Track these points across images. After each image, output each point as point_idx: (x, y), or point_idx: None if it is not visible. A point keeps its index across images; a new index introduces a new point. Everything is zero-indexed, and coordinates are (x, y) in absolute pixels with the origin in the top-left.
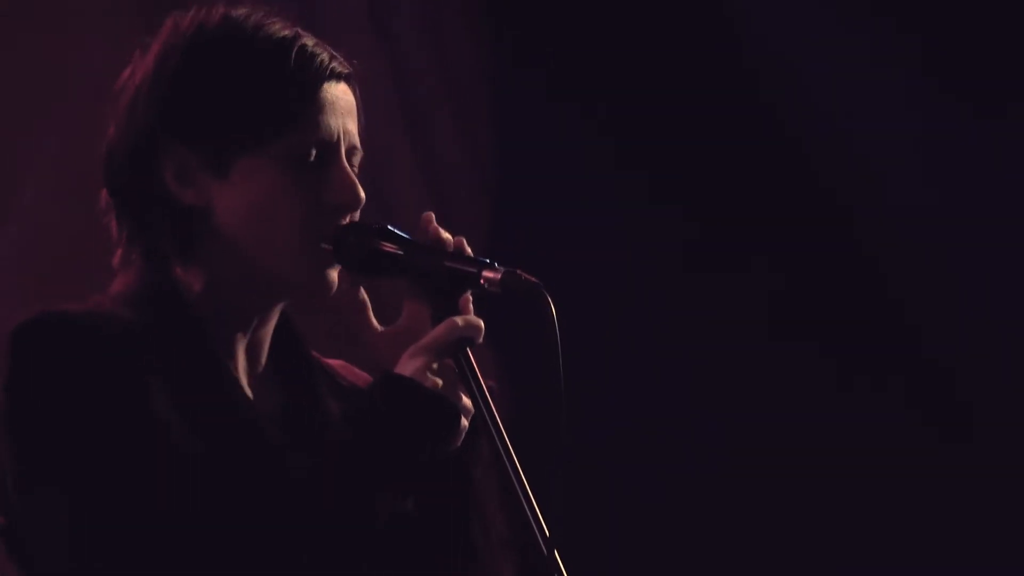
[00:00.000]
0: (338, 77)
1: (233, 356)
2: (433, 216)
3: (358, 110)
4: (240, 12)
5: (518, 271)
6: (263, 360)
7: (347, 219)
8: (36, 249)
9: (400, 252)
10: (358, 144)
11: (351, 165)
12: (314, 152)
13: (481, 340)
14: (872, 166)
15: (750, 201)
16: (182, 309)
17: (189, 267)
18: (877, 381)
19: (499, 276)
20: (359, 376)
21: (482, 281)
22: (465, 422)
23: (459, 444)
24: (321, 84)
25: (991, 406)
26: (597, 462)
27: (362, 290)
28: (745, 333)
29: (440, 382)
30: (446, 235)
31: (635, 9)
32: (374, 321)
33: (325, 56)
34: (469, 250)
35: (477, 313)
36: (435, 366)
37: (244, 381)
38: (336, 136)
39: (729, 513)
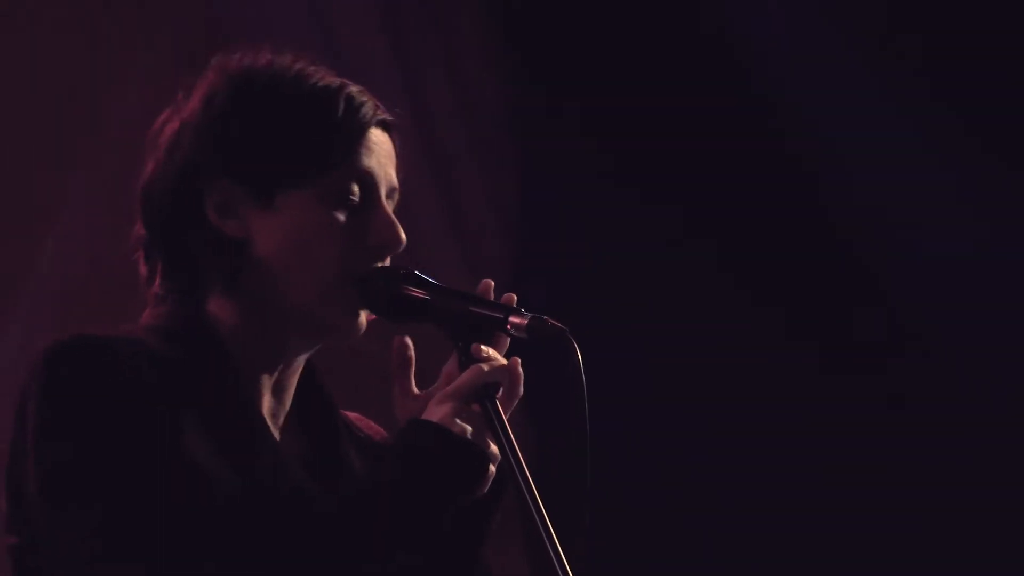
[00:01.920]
0: (381, 124)
1: (260, 395)
2: (492, 285)
3: (397, 156)
4: (286, 57)
5: (545, 317)
6: (287, 404)
7: (385, 260)
8: (71, 279)
9: (427, 297)
10: (397, 189)
11: (392, 208)
12: (357, 191)
13: (508, 385)
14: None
15: (772, 233)
16: (214, 344)
17: (225, 300)
18: (880, 384)
19: (526, 321)
20: (375, 430)
21: (508, 326)
22: (493, 468)
23: (486, 490)
24: (366, 129)
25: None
26: (616, 501)
27: (411, 347)
28: (794, 378)
29: (469, 428)
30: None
31: (658, 46)
32: (413, 382)
33: (370, 103)
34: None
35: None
36: (464, 411)
37: (270, 422)
38: (378, 178)
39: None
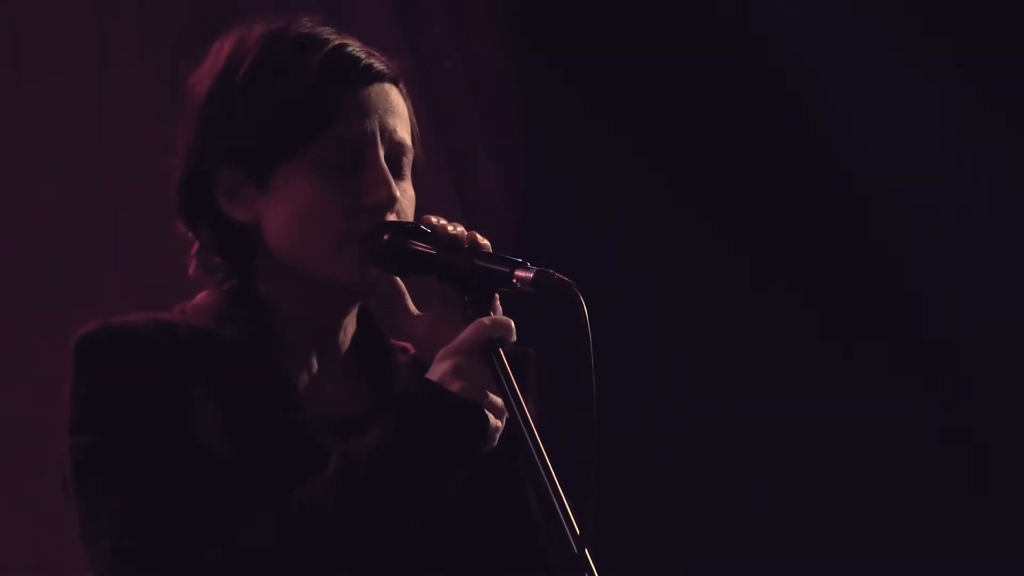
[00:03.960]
0: (376, 78)
1: (306, 364)
2: (432, 217)
3: (409, 109)
4: (279, 24)
5: (551, 271)
6: (341, 364)
7: (385, 218)
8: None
9: (432, 251)
10: (405, 143)
11: (399, 165)
12: (348, 154)
13: (512, 339)
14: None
15: (775, 203)
16: (255, 320)
17: (261, 278)
18: (894, 376)
19: (532, 275)
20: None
21: (514, 280)
22: (497, 422)
23: (494, 444)
24: (353, 85)
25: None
26: (622, 460)
27: (397, 278)
28: (776, 332)
29: (470, 384)
30: (460, 230)
31: (668, 17)
32: (411, 305)
33: (359, 58)
34: (485, 242)
35: (508, 312)
36: (466, 367)
37: (318, 388)
38: (371, 137)
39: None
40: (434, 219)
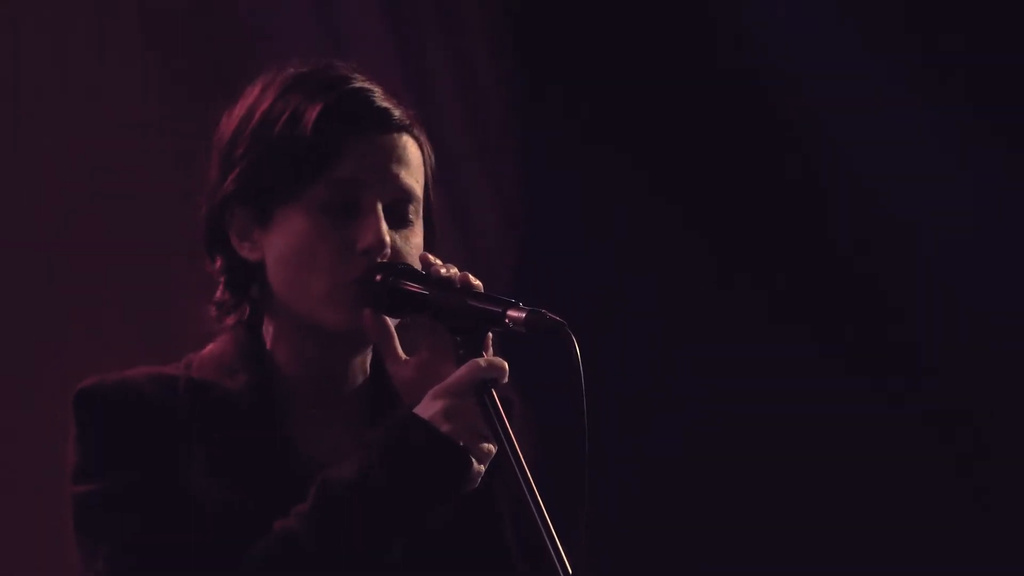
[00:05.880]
0: (387, 126)
1: (306, 412)
2: (429, 256)
3: (425, 156)
4: (308, 68)
5: (543, 311)
6: (343, 412)
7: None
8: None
9: (424, 291)
10: (411, 191)
11: (402, 212)
12: (345, 197)
13: (505, 381)
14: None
15: (773, 233)
16: (255, 372)
17: (267, 321)
18: (878, 383)
19: (524, 315)
20: None
21: (507, 320)
22: (480, 467)
23: (474, 487)
24: (361, 131)
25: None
26: (613, 494)
27: (387, 318)
28: (779, 367)
29: (460, 427)
30: (453, 271)
31: (662, 39)
32: (399, 349)
33: (373, 103)
34: (477, 282)
35: (502, 352)
36: (457, 409)
37: (316, 437)
38: (369, 183)
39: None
40: (431, 257)
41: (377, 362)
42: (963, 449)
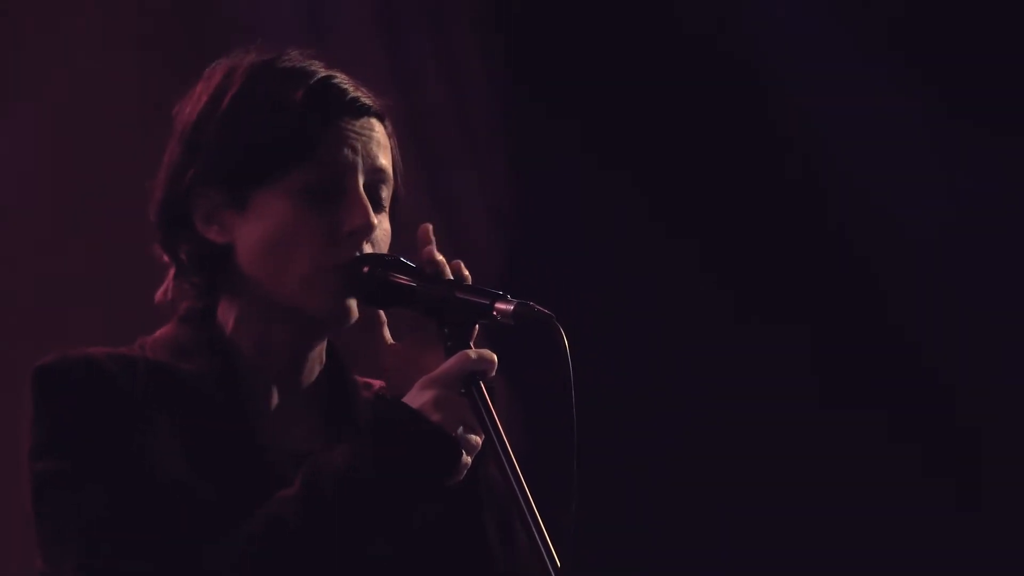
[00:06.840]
0: (361, 111)
1: (266, 396)
2: (430, 229)
3: (393, 145)
4: (269, 56)
5: (531, 303)
6: (303, 397)
7: (362, 249)
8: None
9: (413, 284)
10: (386, 172)
11: (377, 194)
12: (328, 181)
13: (494, 373)
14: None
15: (771, 232)
16: (217, 352)
17: (228, 304)
18: (871, 396)
19: (512, 308)
20: None
21: (495, 313)
22: (467, 458)
23: (460, 478)
24: (337, 116)
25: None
26: (604, 490)
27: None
28: (770, 366)
29: (449, 417)
30: (441, 258)
31: (651, 41)
32: (388, 336)
33: (346, 90)
34: (468, 273)
35: (489, 345)
36: (446, 399)
37: (277, 421)
38: (351, 165)
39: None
40: (426, 246)
41: (333, 349)
42: (963, 449)
